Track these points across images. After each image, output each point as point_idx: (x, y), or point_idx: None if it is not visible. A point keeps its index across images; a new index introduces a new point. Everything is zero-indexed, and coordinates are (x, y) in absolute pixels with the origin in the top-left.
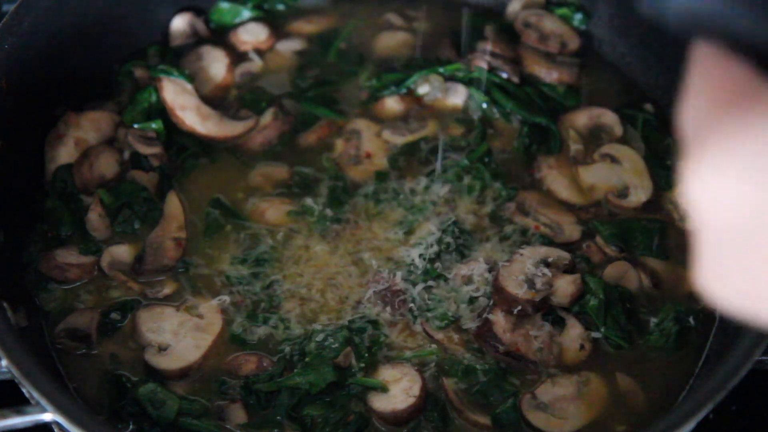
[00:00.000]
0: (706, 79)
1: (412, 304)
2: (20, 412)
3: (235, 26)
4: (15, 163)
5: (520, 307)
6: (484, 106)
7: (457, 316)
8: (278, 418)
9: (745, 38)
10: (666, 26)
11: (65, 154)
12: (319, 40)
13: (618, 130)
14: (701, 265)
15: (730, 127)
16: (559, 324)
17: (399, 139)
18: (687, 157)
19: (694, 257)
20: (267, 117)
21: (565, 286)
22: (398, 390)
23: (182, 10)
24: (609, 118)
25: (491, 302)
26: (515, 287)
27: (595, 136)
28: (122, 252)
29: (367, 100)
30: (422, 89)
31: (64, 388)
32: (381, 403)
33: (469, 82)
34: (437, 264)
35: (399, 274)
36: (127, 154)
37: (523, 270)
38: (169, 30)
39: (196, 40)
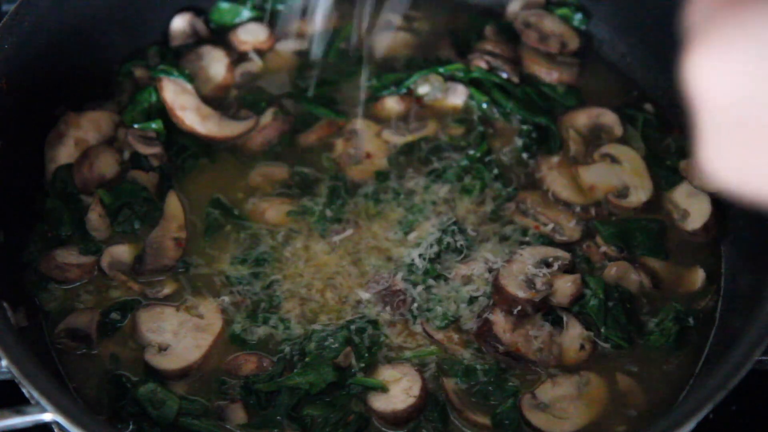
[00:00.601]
0: None
1: (412, 305)
2: (20, 412)
3: (235, 26)
4: (15, 163)
5: (520, 307)
6: (484, 106)
7: (457, 316)
8: (278, 418)
9: None
10: None
11: (65, 154)
12: (319, 40)
13: (618, 130)
14: (703, 145)
15: (731, 19)
16: (559, 324)
17: (399, 139)
18: (690, 45)
19: (696, 139)
20: (267, 117)
21: (565, 286)
22: (398, 390)
23: (182, 10)
24: (609, 118)
25: (491, 302)
26: (515, 287)
27: (595, 136)
28: (122, 252)
29: (367, 100)
30: (422, 89)
31: (64, 388)
32: (381, 403)
33: (469, 82)
34: (437, 264)
35: (399, 274)
36: (127, 154)
37: (523, 270)
38: (169, 30)
39: (196, 40)
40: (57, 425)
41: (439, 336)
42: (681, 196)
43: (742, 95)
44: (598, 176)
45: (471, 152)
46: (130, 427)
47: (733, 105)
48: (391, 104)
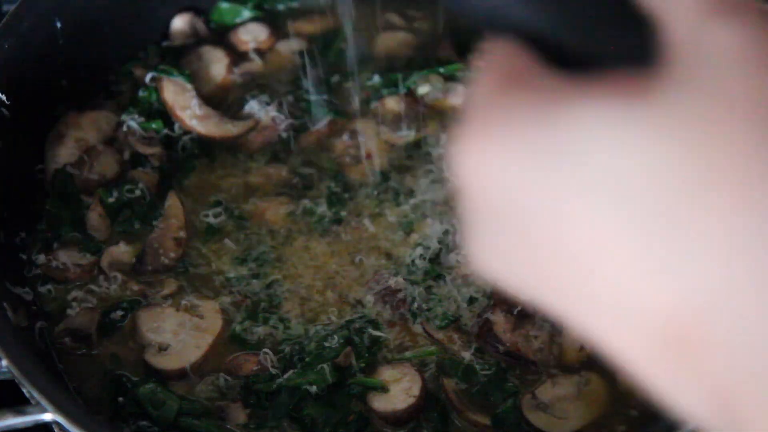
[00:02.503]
0: (492, 64)
1: (412, 305)
2: (20, 412)
3: (235, 26)
4: (15, 163)
5: (520, 307)
6: None
7: (457, 316)
8: (278, 418)
9: (535, 33)
10: (465, 21)
11: (65, 154)
12: (319, 40)
13: None
14: (468, 234)
15: (507, 107)
16: (559, 324)
17: (399, 139)
18: (460, 126)
19: (465, 233)
20: (267, 117)
21: None
22: (398, 390)
23: (182, 10)
24: None
25: (491, 302)
26: None
27: None
28: (122, 252)
29: (367, 100)
30: (422, 89)
31: (64, 388)
32: (381, 403)
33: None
34: (437, 264)
35: (399, 274)
36: (127, 154)
37: None
38: (169, 30)
39: (196, 40)
40: (57, 425)
41: (439, 336)
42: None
43: (503, 192)
44: None
45: None
46: (130, 427)
47: (494, 201)
48: (391, 104)
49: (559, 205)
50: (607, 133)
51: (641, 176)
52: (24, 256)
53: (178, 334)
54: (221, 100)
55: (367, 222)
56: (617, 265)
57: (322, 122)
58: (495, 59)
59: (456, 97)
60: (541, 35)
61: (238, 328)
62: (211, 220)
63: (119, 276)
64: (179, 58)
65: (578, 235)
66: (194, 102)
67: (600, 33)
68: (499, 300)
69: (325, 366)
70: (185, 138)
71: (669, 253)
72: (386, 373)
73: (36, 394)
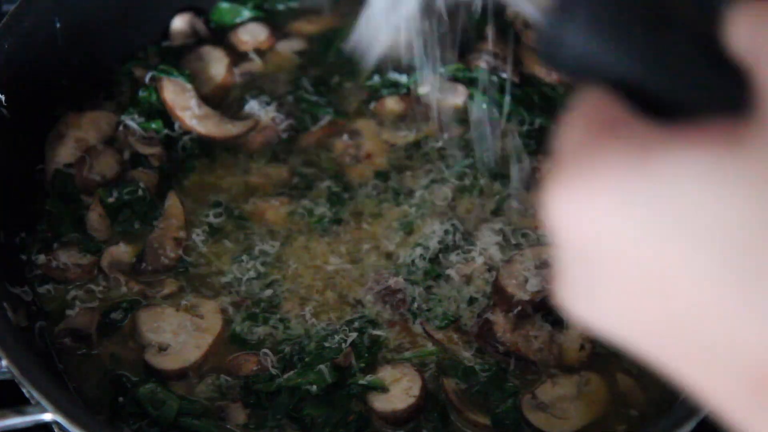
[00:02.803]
0: (583, 111)
1: (412, 304)
2: (20, 412)
3: (235, 26)
4: (15, 163)
5: (520, 307)
6: (484, 106)
7: (457, 316)
8: (278, 418)
9: (625, 82)
10: (559, 73)
11: (65, 154)
12: (319, 40)
13: None
14: (557, 276)
15: (600, 155)
16: (559, 324)
17: (399, 139)
18: (552, 172)
19: (555, 274)
20: (267, 117)
21: None
22: (398, 390)
23: (182, 10)
24: None
25: (491, 302)
26: (515, 287)
27: None
28: (122, 252)
29: (367, 100)
30: (422, 89)
31: (64, 388)
32: (381, 403)
33: (469, 82)
34: (437, 264)
35: (399, 274)
36: (127, 154)
37: (524, 270)
38: (169, 30)
39: (196, 40)
40: (57, 425)
41: (439, 336)
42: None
43: (598, 237)
44: None
45: (471, 152)
46: (131, 427)
47: (588, 245)
48: (391, 104)
49: (652, 251)
50: (700, 182)
51: (733, 225)
52: (24, 256)
53: (178, 334)
54: (221, 100)
55: (367, 222)
56: (710, 309)
57: (322, 122)
58: (584, 107)
59: (456, 97)
60: (629, 83)
61: (238, 328)
62: (212, 219)
63: (119, 276)
64: (179, 58)
65: (671, 280)
66: (194, 102)
67: (690, 80)
68: (499, 300)
69: (325, 366)
70: (185, 138)
71: (762, 297)
72: (386, 373)
73: (36, 394)
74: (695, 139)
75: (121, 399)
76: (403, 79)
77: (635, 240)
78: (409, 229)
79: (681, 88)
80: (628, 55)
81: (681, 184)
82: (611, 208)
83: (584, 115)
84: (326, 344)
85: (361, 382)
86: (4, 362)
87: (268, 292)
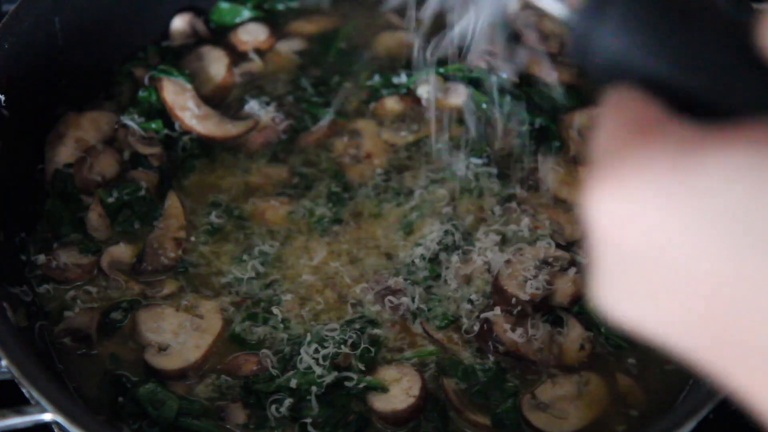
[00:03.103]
0: (619, 111)
1: (412, 304)
2: (20, 412)
3: (235, 26)
4: (15, 163)
5: (520, 307)
6: (484, 106)
7: (457, 316)
8: (278, 417)
9: (659, 82)
10: (590, 73)
11: (65, 154)
12: (319, 40)
13: None
14: (597, 278)
15: (640, 155)
16: (559, 324)
17: (399, 139)
18: (592, 175)
19: (591, 271)
20: (267, 117)
21: (565, 286)
22: (398, 390)
23: (182, 10)
24: None
25: (491, 302)
26: (515, 287)
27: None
28: (122, 252)
29: (367, 100)
30: (422, 89)
31: (64, 388)
32: (381, 403)
33: (469, 82)
34: (437, 264)
35: (399, 274)
36: (127, 154)
37: (523, 270)
38: (169, 30)
39: (196, 40)
40: (57, 425)
41: (439, 336)
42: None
43: (640, 236)
44: None
45: (471, 152)
46: (130, 427)
47: (631, 245)
48: (391, 104)
49: (696, 250)
50: (741, 182)
51: None
52: (24, 256)
53: (178, 334)
54: (221, 100)
55: (367, 222)
56: (760, 309)
57: (322, 122)
58: (620, 106)
59: (456, 97)
60: (665, 83)
61: (238, 328)
62: (212, 219)
63: (119, 276)
64: (179, 58)
65: (717, 279)
66: (194, 102)
67: (726, 81)
68: (498, 300)
69: (325, 366)
70: (185, 138)
71: None
72: (386, 373)
73: (36, 394)
74: (733, 139)
75: (121, 399)
76: (403, 79)
77: (679, 239)
78: (409, 229)
79: (717, 89)
80: (664, 56)
81: (722, 184)
82: (653, 208)
83: (620, 115)
84: (326, 344)
85: (361, 382)
86: (4, 362)
87: (268, 292)
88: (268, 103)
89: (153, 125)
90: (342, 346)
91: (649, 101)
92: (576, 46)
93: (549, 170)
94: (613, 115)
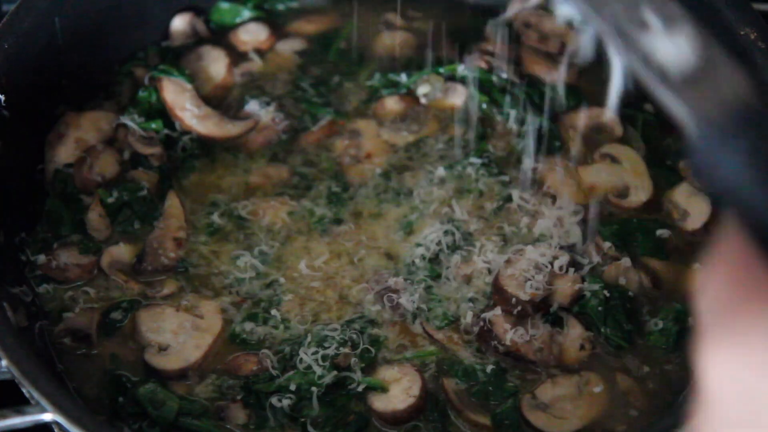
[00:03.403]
0: (725, 269)
1: (412, 304)
2: (20, 412)
3: (235, 26)
4: (15, 163)
5: (520, 307)
6: (484, 106)
7: (457, 316)
8: (278, 417)
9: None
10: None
11: (65, 154)
12: (319, 40)
13: (618, 130)
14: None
15: (742, 316)
16: (559, 324)
17: (399, 139)
18: (701, 334)
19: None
20: (267, 117)
21: (565, 286)
22: (398, 390)
23: (182, 10)
24: (609, 118)
25: (491, 302)
26: (515, 287)
27: (595, 136)
28: (122, 252)
29: (367, 100)
30: (422, 89)
31: (64, 388)
32: (381, 403)
33: (469, 83)
34: (437, 264)
35: (399, 274)
36: (127, 154)
37: (523, 270)
38: (169, 30)
39: (196, 40)
40: (57, 425)
41: (439, 336)
42: (681, 196)
43: (748, 394)
44: (598, 176)
45: (471, 152)
46: (130, 427)
47: (738, 402)
48: (391, 104)
49: None
50: None
51: None
52: (24, 256)
53: (178, 334)
54: (221, 100)
55: (367, 222)
56: None
57: (322, 122)
58: (725, 262)
59: (456, 97)
60: None
61: (238, 328)
62: (212, 219)
63: (119, 276)
64: (179, 58)
65: None
66: (194, 102)
67: None
68: (499, 300)
69: (325, 366)
70: (185, 138)
71: None
72: (386, 373)
73: (36, 394)
74: None
75: (121, 399)
76: (403, 79)
77: None
78: (409, 229)
79: None
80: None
81: None
82: (757, 375)
83: (725, 272)
84: (326, 344)
85: (361, 382)
86: (4, 362)
87: (268, 292)
88: (268, 103)
89: (153, 125)
90: (341, 348)
91: (754, 254)
92: (699, 162)
93: (549, 170)
94: (719, 272)
